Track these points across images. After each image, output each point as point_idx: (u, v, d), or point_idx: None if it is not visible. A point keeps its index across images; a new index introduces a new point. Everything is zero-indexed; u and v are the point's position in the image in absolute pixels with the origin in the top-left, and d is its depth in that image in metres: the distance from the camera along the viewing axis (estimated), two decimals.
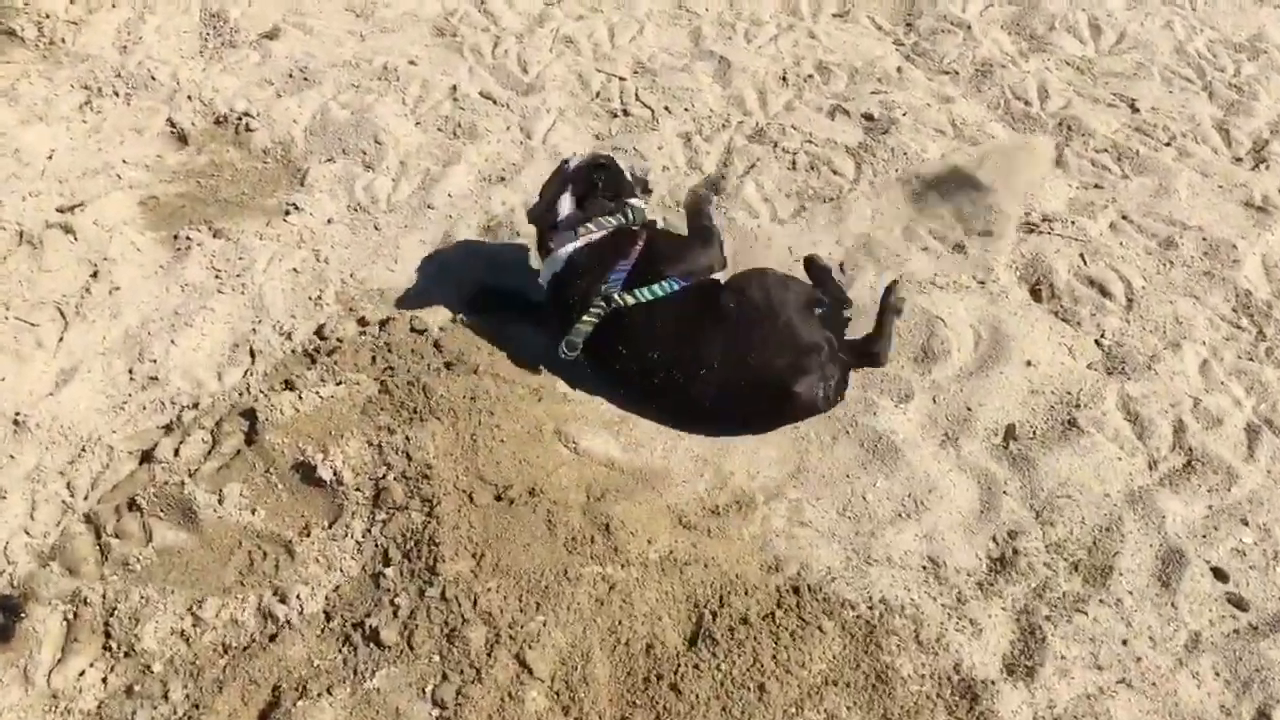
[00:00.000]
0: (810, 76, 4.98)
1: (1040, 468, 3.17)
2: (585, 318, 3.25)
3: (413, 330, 3.54)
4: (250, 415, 3.12)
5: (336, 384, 3.19)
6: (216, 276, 3.86)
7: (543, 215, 3.54)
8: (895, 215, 4.12)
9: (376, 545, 2.84)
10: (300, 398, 3.12)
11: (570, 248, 3.41)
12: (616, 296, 3.24)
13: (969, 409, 3.35)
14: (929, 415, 3.35)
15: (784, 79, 4.96)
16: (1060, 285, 3.78)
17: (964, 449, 3.24)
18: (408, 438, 3.02)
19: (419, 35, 5.27)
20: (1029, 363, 3.48)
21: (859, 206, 4.13)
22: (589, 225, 3.43)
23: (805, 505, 3.10)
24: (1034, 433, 3.28)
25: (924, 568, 2.93)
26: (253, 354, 3.57)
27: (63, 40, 5.15)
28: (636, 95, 4.83)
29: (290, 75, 4.90)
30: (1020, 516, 3.05)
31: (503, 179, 4.32)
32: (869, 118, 4.68)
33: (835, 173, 4.35)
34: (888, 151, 4.42)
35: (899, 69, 5.05)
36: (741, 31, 5.33)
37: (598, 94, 4.84)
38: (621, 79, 4.93)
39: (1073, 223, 4.05)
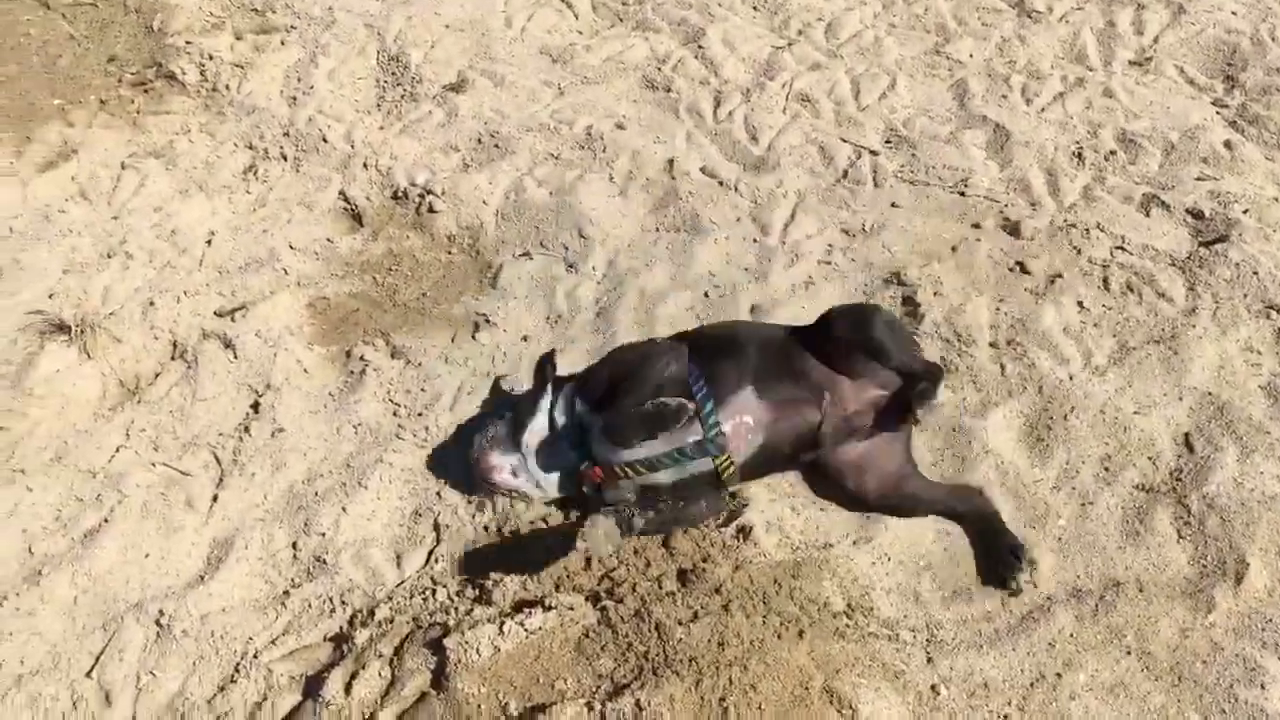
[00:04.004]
0: (1113, 153, 4.13)
1: None
2: None
3: None
4: (438, 648, 2.54)
5: (546, 609, 2.58)
6: (395, 414, 3.33)
7: None
8: (1252, 365, 3.26)
9: None
10: (501, 630, 2.53)
11: None
12: None
13: None
14: None
15: (1078, 156, 4.12)
16: None
17: None
18: (639, 704, 2.39)
19: (626, 88, 4.64)
20: None
21: (1201, 350, 3.30)
22: None
23: None
24: None
25: None
26: (437, 529, 3.01)
27: (227, 87, 4.74)
28: (894, 175, 4.07)
29: (479, 140, 4.33)
30: None
31: (734, 291, 3.64)
32: (1197, 215, 3.80)
33: (1161, 295, 3.51)
34: (1229, 268, 3.56)
35: (1227, 143, 4.14)
36: (1018, 87, 4.50)
37: (845, 173, 4.11)
38: (874, 153, 4.18)
39: None
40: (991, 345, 3.37)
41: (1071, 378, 3.25)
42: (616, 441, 2.81)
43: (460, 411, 3.33)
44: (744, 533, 2.89)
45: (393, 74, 4.78)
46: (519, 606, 2.66)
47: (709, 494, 2.89)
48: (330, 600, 2.84)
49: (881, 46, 4.79)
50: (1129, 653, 2.64)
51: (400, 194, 4.17)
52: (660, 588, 2.68)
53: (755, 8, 5.14)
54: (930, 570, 2.86)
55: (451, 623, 2.63)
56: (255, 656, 2.70)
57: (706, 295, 3.64)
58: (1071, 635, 2.68)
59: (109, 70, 4.90)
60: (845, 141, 4.24)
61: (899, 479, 2.96)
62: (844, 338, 2.98)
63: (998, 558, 2.82)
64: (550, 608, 2.61)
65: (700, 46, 4.82)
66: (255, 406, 3.35)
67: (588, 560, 2.81)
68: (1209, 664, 2.61)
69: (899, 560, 2.88)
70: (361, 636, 2.68)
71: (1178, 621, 2.70)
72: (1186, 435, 3.09)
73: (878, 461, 2.98)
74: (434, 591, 2.80)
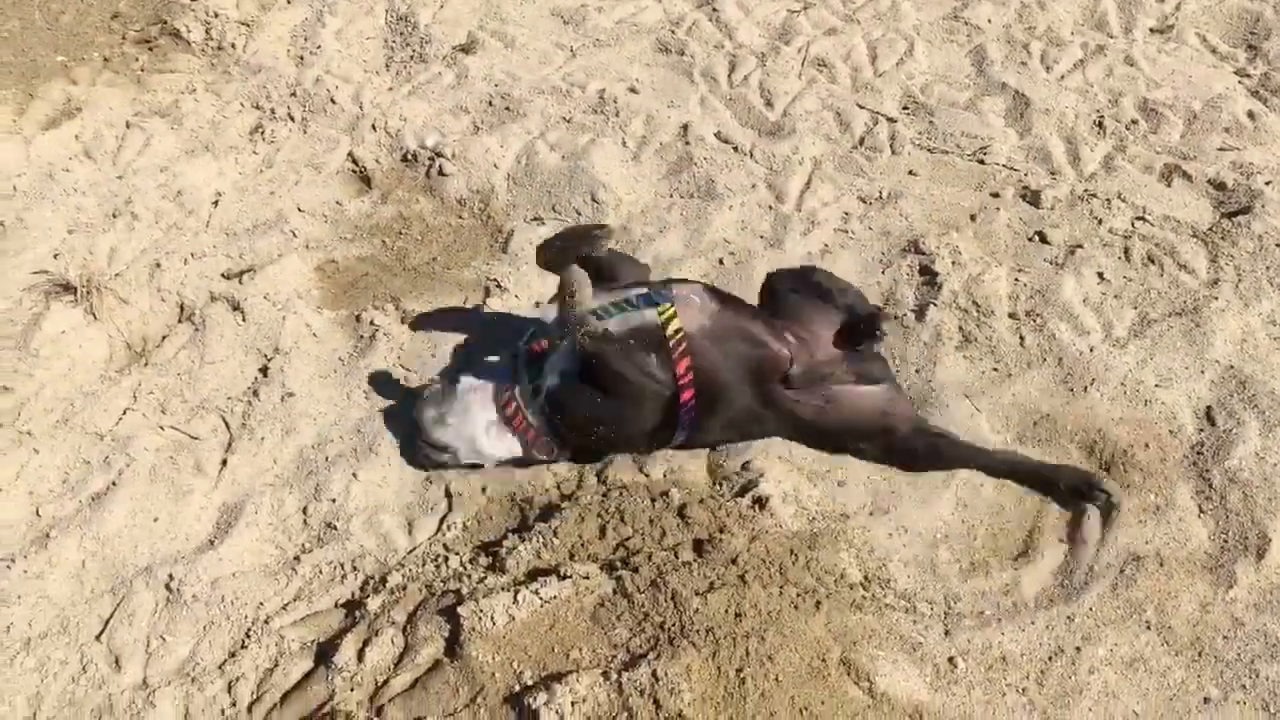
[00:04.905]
0: (1134, 122, 4.07)
1: None
2: None
3: (647, 491, 2.88)
4: (451, 616, 2.52)
5: (561, 578, 2.55)
6: (406, 380, 3.28)
7: None
8: (1275, 338, 3.22)
9: None
10: (515, 599, 2.50)
11: None
12: None
13: None
14: None
15: (1099, 125, 4.07)
16: None
17: None
18: (655, 675, 2.37)
19: (639, 51, 4.57)
20: None
21: (1223, 322, 3.26)
22: None
23: None
24: None
25: None
26: (449, 497, 2.97)
27: (232, 45, 4.67)
28: (912, 143, 4.01)
29: (490, 103, 4.27)
30: None
31: (749, 258, 3.59)
32: (1219, 186, 3.75)
33: (1183, 267, 3.47)
34: (1252, 240, 3.51)
35: (1250, 113, 4.09)
36: (1037, 54, 4.44)
37: (861, 140, 4.05)
38: (891, 120, 4.12)
39: None
40: (1011, 316, 3.33)
41: (1092, 349, 3.22)
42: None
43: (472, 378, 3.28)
44: (760, 503, 2.86)
45: (401, 34, 4.71)
46: (533, 575, 2.64)
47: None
48: (341, 566, 2.82)
49: (899, 11, 4.72)
50: (1149, 627, 2.62)
51: (410, 156, 4.11)
52: (676, 557, 2.66)
53: None
54: (948, 542, 2.83)
55: (465, 590, 2.60)
56: (266, 622, 2.68)
57: (721, 262, 3.59)
58: (1090, 609, 2.66)
59: (113, 27, 4.83)
60: (862, 108, 4.18)
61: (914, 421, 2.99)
62: (789, 291, 3.04)
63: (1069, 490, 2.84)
64: (565, 576, 2.58)
65: (714, 9, 4.74)
66: (264, 370, 3.32)
67: (602, 529, 2.78)
68: (1230, 639, 2.59)
69: (916, 532, 2.86)
70: (374, 603, 2.65)
71: (1198, 596, 2.67)
72: (1208, 409, 3.06)
73: (887, 404, 2.99)
74: (446, 559, 2.77)
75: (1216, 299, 3.32)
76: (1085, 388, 3.11)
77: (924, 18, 4.69)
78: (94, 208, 3.85)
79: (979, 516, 2.89)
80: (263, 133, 4.25)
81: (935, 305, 3.36)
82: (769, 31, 4.64)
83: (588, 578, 2.59)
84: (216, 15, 4.80)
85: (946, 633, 2.64)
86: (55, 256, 3.65)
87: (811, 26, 4.65)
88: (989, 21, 4.64)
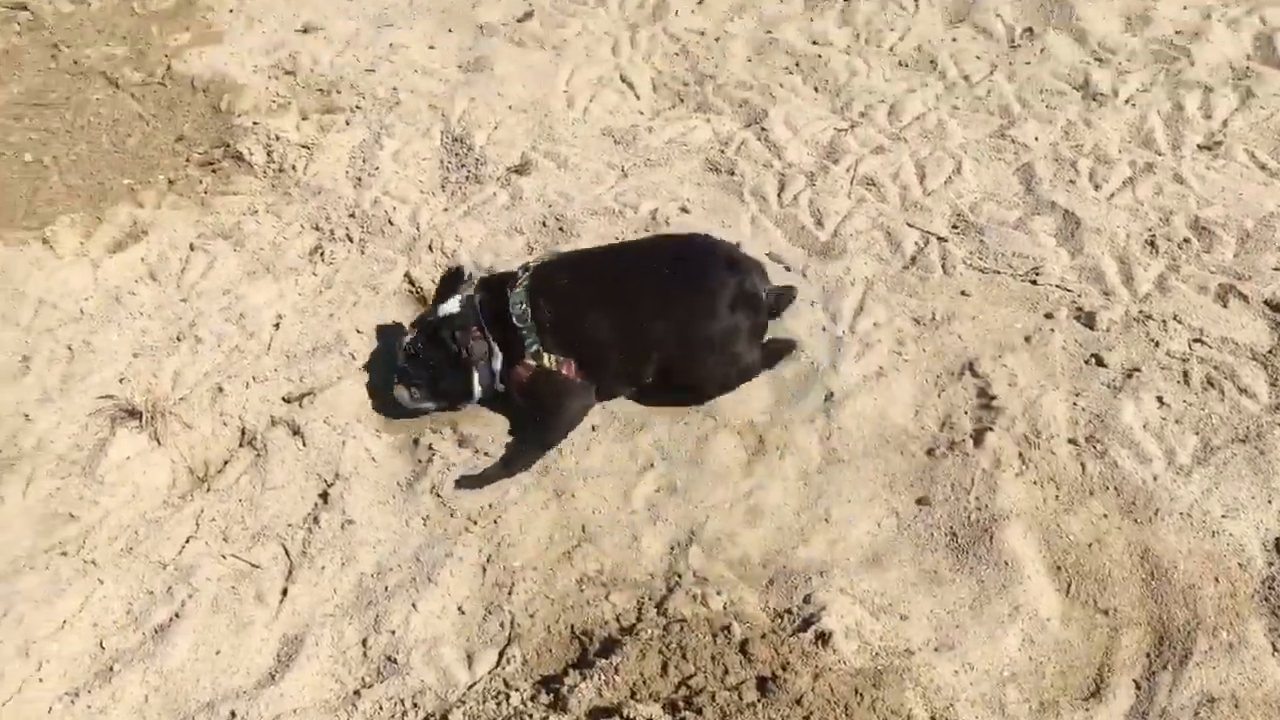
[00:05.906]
0: (1186, 241, 4.09)
1: None
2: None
3: (708, 625, 2.87)
4: None
5: (624, 719, 2.54)
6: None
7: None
8: None
9: None
10: None
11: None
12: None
13: None
14: None
15: (1152, 244, 4.09)
16: None
17: None
18: None
19: (689, 171, 4.67)
20: None
21: None
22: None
23: None
24: None
25: None
26: (511, 627, 2.98)
27: (293, 167, 4.83)
28: (963, 262, 4.05)
29: (544, 223, 4.37)
30: None
31: (805, 381, 3.62)
32: (1276, 308, 3.75)
33: (1243, 391, 3.46)
34: None
35: None
36: (1085, 172, 4.49)
37: (913, 259, 4.10)
38: (941, 239, 4.16)
39: None
40: (1071, 442, 3.33)
41: (1155, 478, 3.20)
42: None
43: (529, 503, 3.32)
44: (823, 639, 2.85)
45: (456, 155, 4.84)
46: (595, 714, 2.63)
47: None
48: (402, 702, 2.82)
49: (945, 129, 4.80)
50: None
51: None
52: (740, 698, 2.64)
53: (816, 89, 5.18)
54: (1015, 680, 2.80)
55: None
56: None
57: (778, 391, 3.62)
58: None
59: (177, 150, 5.01)
60: (912, 226, 4.24)
61: None
62: None
63: None
64: (628, 718, 2.57)
65: (763, 129, 4.85)
66: (324, 496, 3.36)
67: (664, 666, 2.78)
68: None
69: (983, 669, 2.82)
70: None
71: None
72: (1278, 540, 3.02)
73: None
74: (507, 696, 2.77)
75: (1278, 421, 3.30)
76: (1150, 518, 3.09)
77: (970, 135, 4.77)
78: (159, 330, 3.96)
79: (1046, 653, 2.85)
80: (322, 254, 4.37)
81: (994, 430, 3.36)
82: (817, 150, 4.74)
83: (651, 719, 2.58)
84: (278, 138, 4.96)
85: None
86: (121, 380, 3.75)
87: (859, 145, 4.74)
88: (1036, 139, 4.71)
